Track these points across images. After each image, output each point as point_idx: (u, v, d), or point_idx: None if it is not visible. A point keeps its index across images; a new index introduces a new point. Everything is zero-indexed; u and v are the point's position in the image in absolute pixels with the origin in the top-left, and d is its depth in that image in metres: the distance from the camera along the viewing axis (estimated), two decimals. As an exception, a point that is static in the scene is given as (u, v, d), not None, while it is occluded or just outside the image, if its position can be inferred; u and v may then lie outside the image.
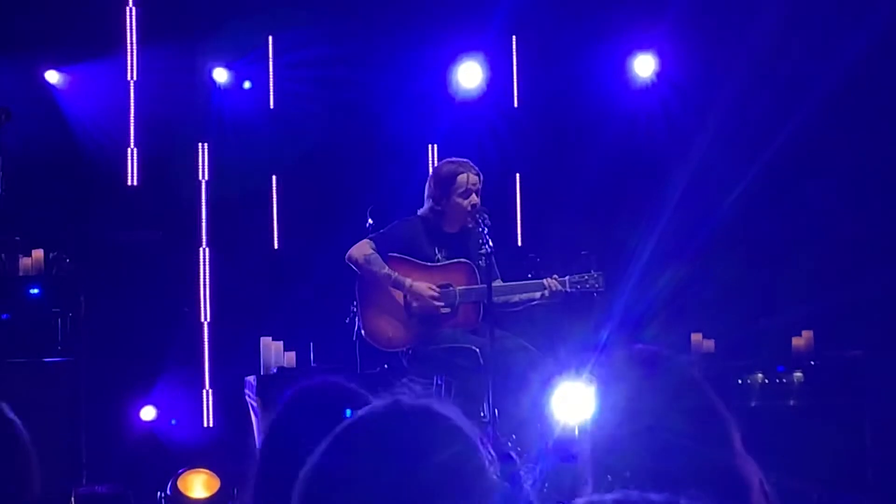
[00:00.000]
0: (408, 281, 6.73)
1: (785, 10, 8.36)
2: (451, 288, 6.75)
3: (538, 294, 6.73)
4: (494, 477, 1.96)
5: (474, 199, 6.72)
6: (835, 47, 8.45)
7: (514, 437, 6.46)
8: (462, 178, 6.74)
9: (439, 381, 6.71)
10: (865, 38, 8.31)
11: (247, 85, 9.16)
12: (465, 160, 6.86)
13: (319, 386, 2.86)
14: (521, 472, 6.38)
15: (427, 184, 6.98)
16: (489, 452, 1.96)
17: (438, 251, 6.85)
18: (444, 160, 6.98)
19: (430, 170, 9.01)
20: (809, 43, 8.51)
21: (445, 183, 6.78)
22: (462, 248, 6.80)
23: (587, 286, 6.70)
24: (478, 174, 6.79)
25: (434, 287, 6.73)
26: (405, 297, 6.80)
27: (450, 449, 1.89)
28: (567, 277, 6.71)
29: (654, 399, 2.53)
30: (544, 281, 6.70)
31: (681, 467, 2.42)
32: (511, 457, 6.47)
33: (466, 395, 6.53)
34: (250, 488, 2.63)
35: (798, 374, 7.89)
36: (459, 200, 6.73)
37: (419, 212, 6.94)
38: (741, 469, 2.49)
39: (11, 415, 2.57)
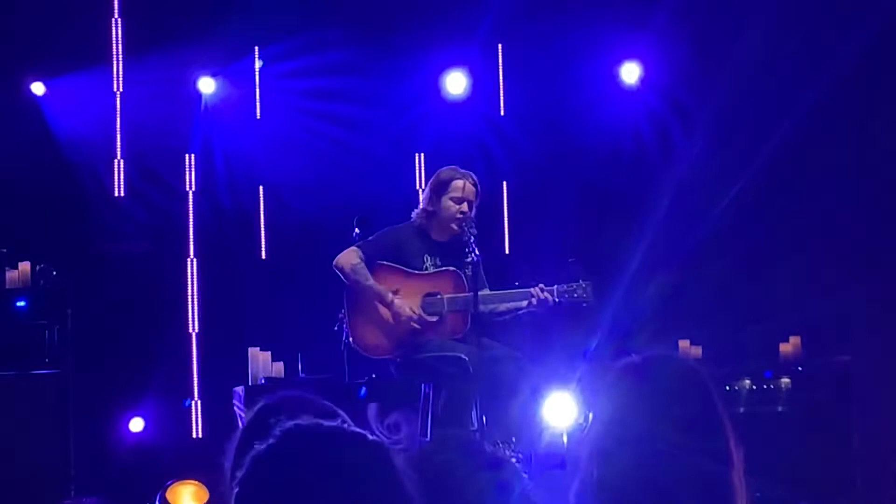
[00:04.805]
0: (389, 296, 6.71)
1: (776, 11, 8.39)
2: (438, 296, 6.74)
3: (524, 303, 6.70)
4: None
5: (465, 207, 6.72)
6: (817, 61, 8.48)
7: (510, 441, 6.43)
8: (458, 183, 6.77)
9: (427, 390, 6.70)
10: (845, 55, 8.35)
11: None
12: (468, 172, 6.88)
13: (291, 399, 2.80)
14: (513, 480, 6.39)
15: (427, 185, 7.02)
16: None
17: (427, 259, 6.84)
18: (449, 167, 6.97)
19: (417, 179, 9.05)
20: (794, 54, 8.53)
21: (441, 185, 6.80)
22: (451, 256, 6.78)
23: (575, 296, 6.67)
24: (475, 185, 6.80)
25: (415, 309, 6.71)
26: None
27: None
28: (555, 287, 6.67)
29: (648, 407, 2.45)
30: (531, 290, 6.67)
31: (672, 479, 2.36)
32: (504, 463, 6.47)
33: (454, 403, 6.52)
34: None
35: (786, 381, 7.89)
36: (450, 204, 6.74)
37: (412, 215, 6.95)
38: (734, 489, 2.41)
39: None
